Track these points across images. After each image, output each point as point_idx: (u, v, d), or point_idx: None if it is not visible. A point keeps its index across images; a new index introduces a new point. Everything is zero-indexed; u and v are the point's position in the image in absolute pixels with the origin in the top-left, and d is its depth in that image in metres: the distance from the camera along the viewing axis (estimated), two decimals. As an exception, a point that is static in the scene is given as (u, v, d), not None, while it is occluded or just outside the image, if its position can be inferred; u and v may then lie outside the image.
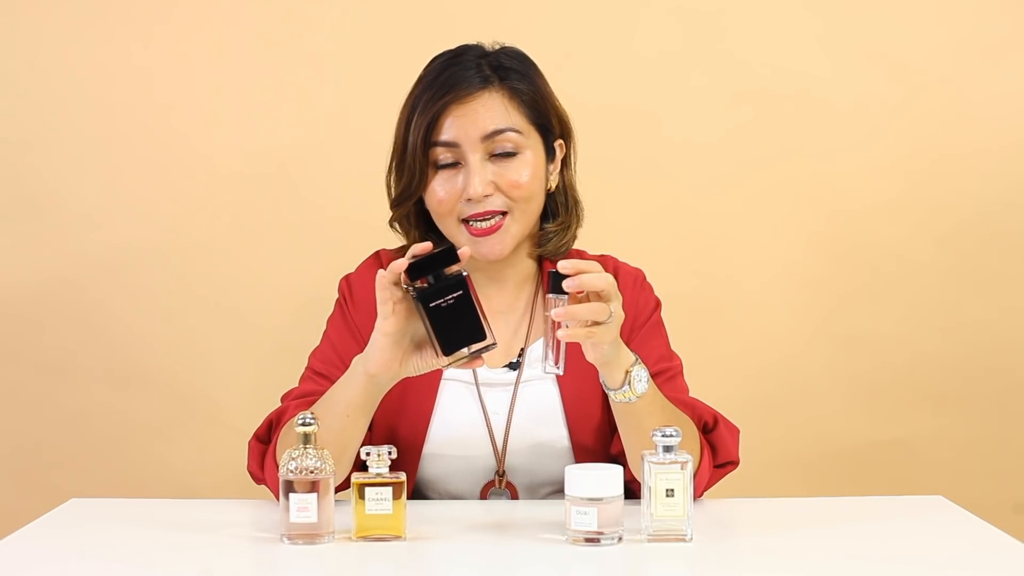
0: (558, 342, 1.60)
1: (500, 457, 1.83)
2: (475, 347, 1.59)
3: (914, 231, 2.65)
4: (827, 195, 2.65)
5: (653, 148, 2.64)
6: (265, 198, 2.62)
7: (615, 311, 1.58)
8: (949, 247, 2.65)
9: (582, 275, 1.56)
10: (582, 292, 1.58)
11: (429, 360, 1.63)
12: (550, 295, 1.59)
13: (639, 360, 1.67)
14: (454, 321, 1.57)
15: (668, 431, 1.53)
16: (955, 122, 2.64)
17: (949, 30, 2.64)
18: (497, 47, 1.87)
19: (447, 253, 1.58)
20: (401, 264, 1.57)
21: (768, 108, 2.64)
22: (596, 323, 1.57)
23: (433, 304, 1.57)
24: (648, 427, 1.64)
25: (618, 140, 2.58)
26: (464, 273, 1.58)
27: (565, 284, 1.56)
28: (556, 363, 1.61)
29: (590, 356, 1.63)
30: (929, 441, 2.66)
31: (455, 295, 1.57)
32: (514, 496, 1.84)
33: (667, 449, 1.53)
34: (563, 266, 1.57)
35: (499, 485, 1.83)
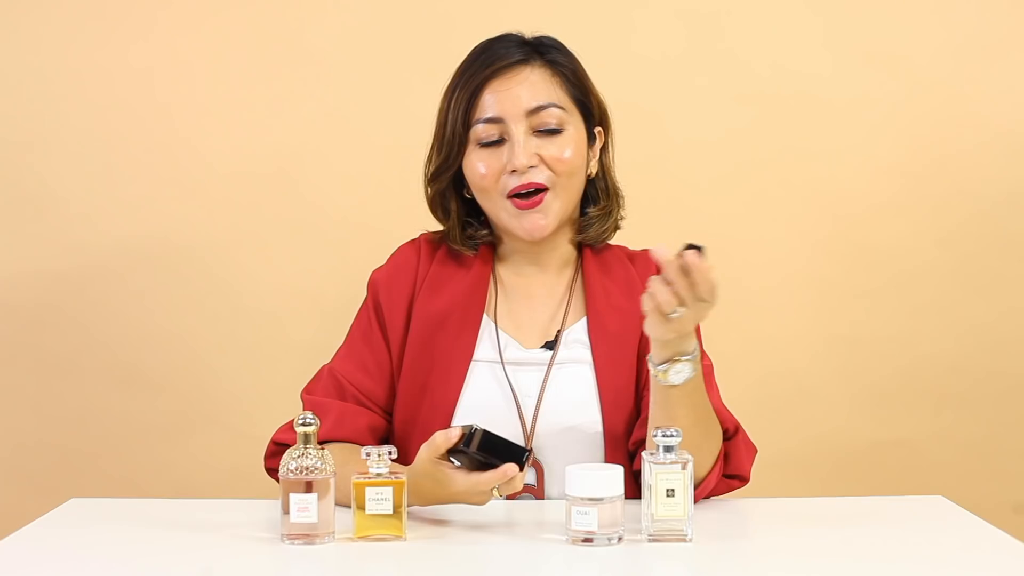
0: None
1: (528, 435, 1.82)
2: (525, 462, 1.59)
3: (915, 231, 2.65)
4: (828, 196, 2.65)
5: (654, 148, 2.64)
6: (265, 198, 2.62)
7: (680, 313, 1.57)
8: (950, 247, 2.65)
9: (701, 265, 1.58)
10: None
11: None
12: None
13: (694, 359, 1.65)
14: (497, 455, 1.57)
15: (669, 431, 1.53)
16: (956, 122, 2.64)
17: (949, 30, 2.64)
18: (535, 36, 1.90)
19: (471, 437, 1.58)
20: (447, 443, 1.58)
21: (769, 109, 2.64)
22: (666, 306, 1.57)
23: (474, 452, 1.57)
24: (676, 418, 1.65)
25: (619, 140, 2.57)
26: (475, 427, 1.58)
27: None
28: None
29: (648, 326, 1.61)
30: (930, 441, 2.66)
31: (480, 441, 1.57)
32: (540, 473, 1.82)
33: (667, 449, 1.53)
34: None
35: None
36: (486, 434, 1.56)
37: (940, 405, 2.66)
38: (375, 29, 2.62)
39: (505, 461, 1.55)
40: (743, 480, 1.81)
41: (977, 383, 2.66)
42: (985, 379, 2.66)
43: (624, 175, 2.59)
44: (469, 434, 1.56)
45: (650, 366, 1.67)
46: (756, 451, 1.82)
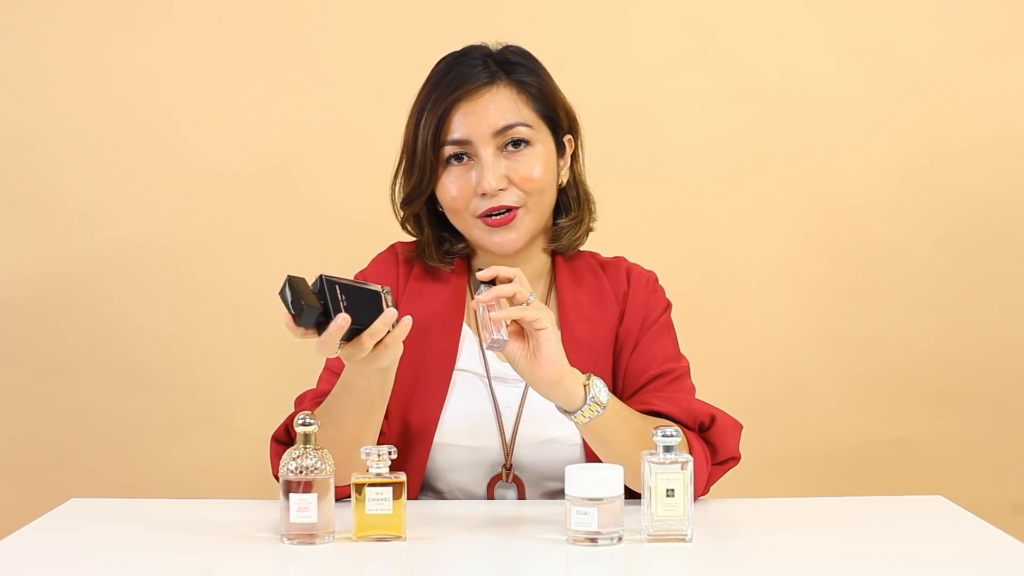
0: (494, 320, 1.61)
1: (508, 451, 1.83)
2: (388, 298, 1.58)
3: (913, 230, 2.65)
4: (827, 195, 2.65)
5: (652, 149, 2.64)
6: (265, 198, 2.62)
7: (535, 296, 1.63)
8: (948, 246, 2.65)
9: (498, 273, 1.63)
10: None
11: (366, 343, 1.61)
12: (478, 294, 1.62)
13: (591, 374, 1.67)
14: (359, 304, 1.56)
15: (668, 431, 1.53)
16: (955, 122, 2.64)
17: (950, 31, 2.64)
18: (501, 46, 1.88)
19: (290, 288, 1.56)
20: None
21: (768, 109, 2.64)
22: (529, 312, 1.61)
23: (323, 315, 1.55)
24: (622, 437, 1.67)
25: (618, 141, 2.58)
26: (320, 276, 1.56)
27: (481, 275, 1.63)
28: (499, 331, 1.61)
29: (546, 352, 1.62)
30: (929, 441, 2.66)
31: (337, 292, 1.55)
32: (521, 490, 1.84)
33: (667, 449, 1.53)
34: (481, 275, 1.63)
35: (506, 479, 1.83)
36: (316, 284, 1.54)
37: (939, 404, 2.66)
38: (374, 29, 2.62)
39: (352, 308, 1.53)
40: (735, 460, 1.82)
41: (976, 382, 2.66)
42: (984, 378, 2.66)
43: (622, 176, 2.61)
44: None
45: (579, 416, 1.67)
46: (741, 427, 1.83)
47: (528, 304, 1.62)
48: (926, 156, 2.64)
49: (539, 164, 1.83)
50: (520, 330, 1.64)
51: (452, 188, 1.83)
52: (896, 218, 2.65)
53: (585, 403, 1.65)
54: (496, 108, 1.81)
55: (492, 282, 1.64)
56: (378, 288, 1.59)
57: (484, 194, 1.80)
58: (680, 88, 2.64)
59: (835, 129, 2.64)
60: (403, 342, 1.62)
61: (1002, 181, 2.65)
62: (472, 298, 1.91)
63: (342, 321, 1.53)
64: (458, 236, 1.90)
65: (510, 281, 1.63)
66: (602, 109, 2.56)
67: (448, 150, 1.82)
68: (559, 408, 1.68)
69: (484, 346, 1.63)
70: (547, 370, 1.63)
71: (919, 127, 2.64)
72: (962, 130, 2.64)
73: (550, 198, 1.87)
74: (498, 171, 1.80)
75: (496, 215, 1.81)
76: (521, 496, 1.84)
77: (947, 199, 2.64)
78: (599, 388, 1.66)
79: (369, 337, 1.57)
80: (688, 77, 2.64)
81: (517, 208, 1.82)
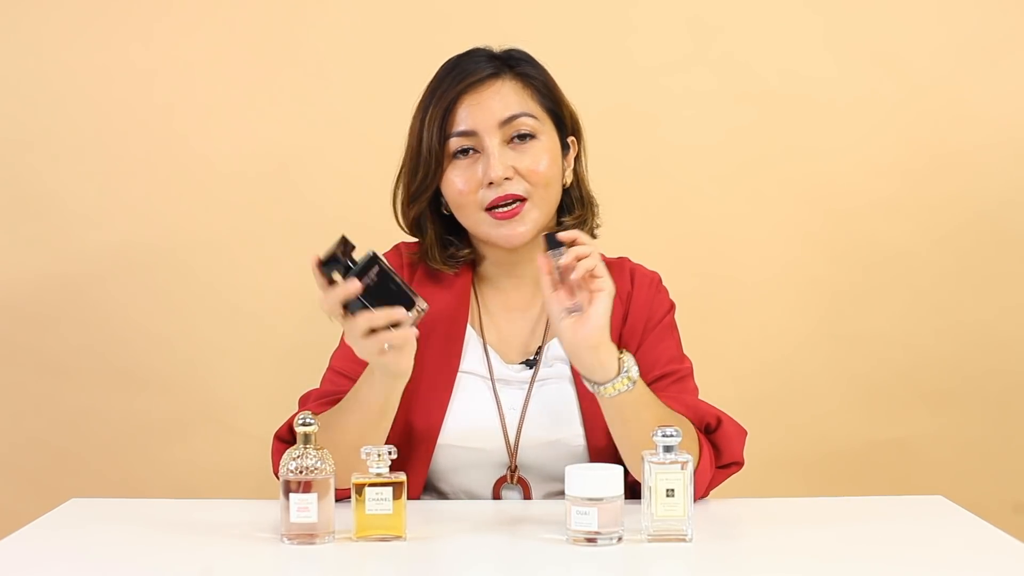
0: (570, 284, 1.65)
1: (512, 452, 1.83)
2: (411, 314, 1.62)
3: (913, 230, 2.65)
4: (827, 195, 2.65)
5: (652, 149, 2.64)
6: (265, 198, 2.62)
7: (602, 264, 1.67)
8: (948, 246, 2.65)
9: (578, 236, 1.67)
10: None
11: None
12: (550, 251, 1.66)
13: (626, 350, 1.70)
14: (384, 295, 1.60)
15: (668, 431, 1.53)
16: (955, 122, 2.64)
17: (949, 31, 2.64)
18: (504, 48, 1.90)
19: (343, 243, 1.63)
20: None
21: (768, 109, 2.64)
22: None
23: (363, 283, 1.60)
24: (644, 420, 1.66)
25: (618, 141, 2.58)
26: (371, 252, 1.62)
27: (563, 235, 1.66)
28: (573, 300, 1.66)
29: (593, 314, 1.65)
30: (929, 441, 2.66)
31: (374, 271, 1.61)
32: (527, 492, 1.84)
33: (667, 449, 1.53)
34: (563, 235, 1.66)
35: (511, 480, 1.83)
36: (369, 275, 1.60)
37: (940, 404, 2.66)
38: (374, 29, 2.62)
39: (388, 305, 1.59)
40: (739, 465, 1.82)
41: (976, 382, 2.66)
42: (984, 378, 2.66)
43: (622, 175, 2.61)
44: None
45: (607, 388, 1.69)
46: (746, 433, 1.83)
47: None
48: (926, 156, 2.64)
49: (545, 157, 1.83)
50: (570, 290, 1.67)
51: (458, 181, 1.83)
52: (896, 218, 2.65)
53: (618, 376, 1.66)
54: (501, 99, 1.82)
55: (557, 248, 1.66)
56: (420, 304, 1.62)
57: (491, 184, 1.80)
58: (680, 88, 2.64)
59: (835, 129, 2.64)
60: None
61: (1002, 181, 2.65)
62: (476, 298, 1.91)
63: (351, 287, 1.58)
64: (463, 240, 1.90)
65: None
66: (602, 108, 2.56)
67: (454, 143, 1.82)
68: (586, 379, 1.69)
69: (559, 308, 1.66)
70: (589, 331, 1.65)
71: (919, 127, 2.64)
72: (962, 130, 2.64)
73: (555, 193, 1.87)
74: (504, 160, 1.81)
75: (503, 206, 1.81)
76: (527, 498, 1.84)
77: (947, 199, 2.64)
78: (632, 364, 1.68)
79: (366, 320, 1.59)
80: (688, 77, 2.64)
81: (524, 200, 1.82)
